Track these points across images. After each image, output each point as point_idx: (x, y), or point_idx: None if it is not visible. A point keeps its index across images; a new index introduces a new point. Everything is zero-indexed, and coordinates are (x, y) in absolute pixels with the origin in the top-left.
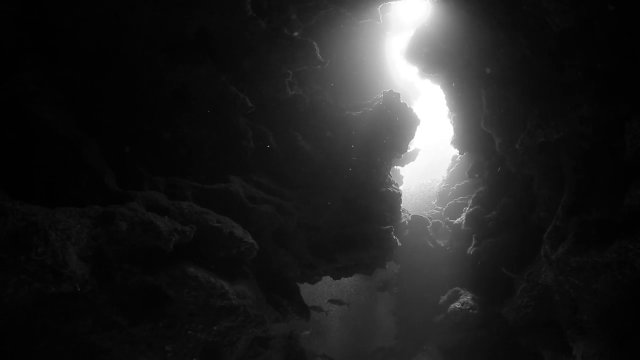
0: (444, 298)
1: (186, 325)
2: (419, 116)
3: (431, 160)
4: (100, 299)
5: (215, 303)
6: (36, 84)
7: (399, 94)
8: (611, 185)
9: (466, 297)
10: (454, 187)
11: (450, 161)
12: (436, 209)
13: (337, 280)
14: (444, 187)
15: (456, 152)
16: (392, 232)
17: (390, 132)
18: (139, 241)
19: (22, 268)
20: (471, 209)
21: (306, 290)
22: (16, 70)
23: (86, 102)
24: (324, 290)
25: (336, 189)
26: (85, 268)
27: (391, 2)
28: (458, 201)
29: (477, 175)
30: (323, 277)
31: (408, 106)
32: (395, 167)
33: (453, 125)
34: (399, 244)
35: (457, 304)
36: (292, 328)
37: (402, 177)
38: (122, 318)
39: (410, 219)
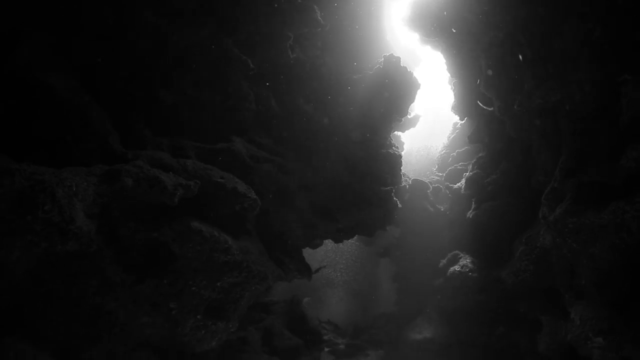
0: (443, 261)
1: (190, 281)
2: (419, 82)
3: (431, 126)
4: (105, 258)
5: (219, 258)
6: (42, 54)
7: (399, 58)
8: (608, 149)
9: (465, 261)
10: (454, 154)
11: (451, 128)
12: (437, 175)
13: (339, 245)
14: (444, 153)
15: (457, 119)
16: (393, 193)
17: (390, 95)
18: (144, 197)
19: (28, 228)
20: (471, 173)
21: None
22: (22, 42)
23: (90, 68)
24: (328, 256)
25: (337, 150)
26: (91, 225)
27: None
28: (458, 167)
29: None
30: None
31: (408, 70)
32: (395, 132)
33: (453, 90)
34: (400, 205)
35: (456, 267)
36: (294, 293)
37: (403, 143)
38: (127, 276)
39: (410, 183)
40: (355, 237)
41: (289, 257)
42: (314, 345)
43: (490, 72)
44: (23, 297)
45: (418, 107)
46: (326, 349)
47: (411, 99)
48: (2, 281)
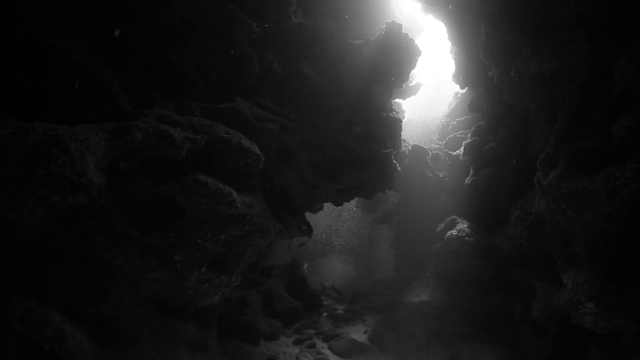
0: (441, 226)
1: (195, 234)
2: (421, 50)
3: (432, 97)
4: (114, 212)
5: (224, 211)
6: (52, 19)
7: (401, 25)
8: (602, 120)
9: (462, 225)
10: (454, 122)
11: (452, 97)
12: (437, 143)
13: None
14: (444, 122)
15: (458, 88)
16: (393, 156)
17: (391, 59)
18: (153, 151)
19: (39, 183)
20: (470, 141)
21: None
22: (34, 10)
23: (100, 33)
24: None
25: (338, 112)
26: (102, 178)
27: None
28: (458, 135)
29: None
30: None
31: (409, 37)
32: (397, 100)
33: (454, 59)
34: (399, 168)
35: (453, 232)
36: (294, 258)
37: (404, 111)
38: (135, 230)
39: (410, 149)
40: (356, 204)
41: (290, 215)
42: (313, 309)
43: (489, 41)
44: (30, 255)
45: (419, 76)
46: (325, 314)
47: (412, 65)
48: (10, 240)
